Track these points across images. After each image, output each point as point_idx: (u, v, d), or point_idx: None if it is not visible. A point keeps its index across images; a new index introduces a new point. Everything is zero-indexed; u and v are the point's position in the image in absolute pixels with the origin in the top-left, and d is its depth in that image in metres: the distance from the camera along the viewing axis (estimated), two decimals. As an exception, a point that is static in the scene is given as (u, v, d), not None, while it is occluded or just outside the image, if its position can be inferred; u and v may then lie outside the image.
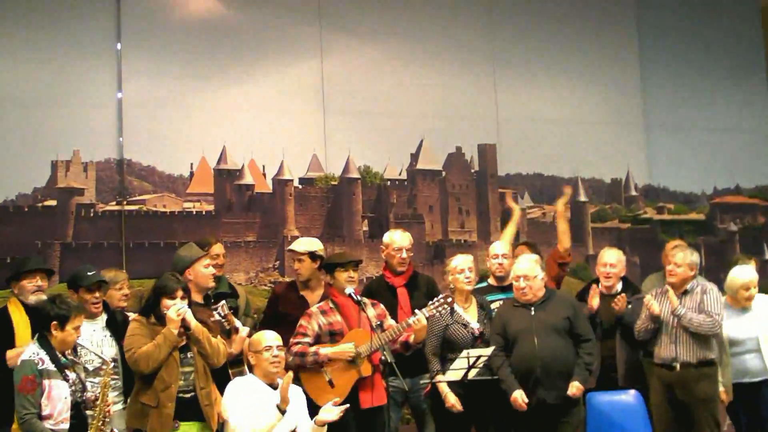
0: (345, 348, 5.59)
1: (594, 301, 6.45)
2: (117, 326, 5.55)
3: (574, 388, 5.87)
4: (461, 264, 6.08)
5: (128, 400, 5.32)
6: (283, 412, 4.91)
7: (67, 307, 4.81)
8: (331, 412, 5.08)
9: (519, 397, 5.82)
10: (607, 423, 6.42)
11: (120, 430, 5.07)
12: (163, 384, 5.04)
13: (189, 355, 5.16)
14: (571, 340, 6.03)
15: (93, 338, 5.41)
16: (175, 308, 5.06)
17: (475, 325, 5.98)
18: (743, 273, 6.83)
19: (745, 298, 6.72)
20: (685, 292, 6.39)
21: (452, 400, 5.83)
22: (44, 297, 5.37)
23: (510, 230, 7.31)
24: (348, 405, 5.19)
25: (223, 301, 5.53)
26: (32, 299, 5.34)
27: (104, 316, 5.55)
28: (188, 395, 5.09)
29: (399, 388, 5.82)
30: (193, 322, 5.13)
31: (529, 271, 6.03)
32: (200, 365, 5.17)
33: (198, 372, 5.15)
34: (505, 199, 7.82)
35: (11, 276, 5.55)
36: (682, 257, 6.46)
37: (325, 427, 5.10)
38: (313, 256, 6.19)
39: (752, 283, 6.73)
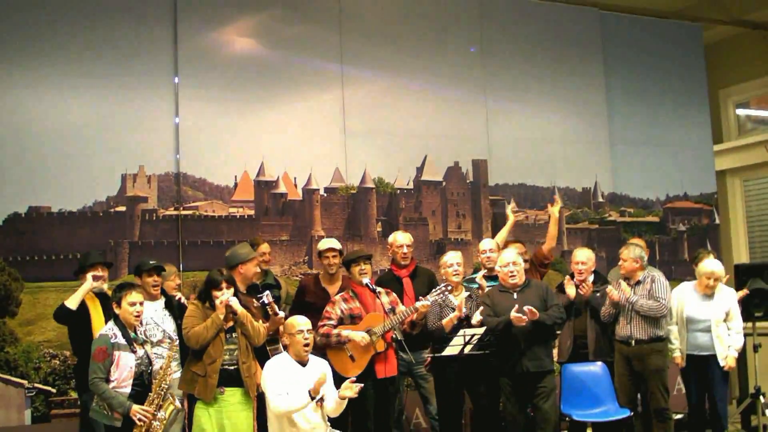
0: (361, 336, 5.60)
1: (570, 290, 6.45)
2: (173, 308, 5.67)
3: (535, 315, 5.77)
4: (450, 260, 6.13)
5: (183, 368, 5.37)
6: (312, 398, 4.92)
7: (119, 289, 4.98)
8: (350, 389, 5.08)
9: (513, 314, 5.75)
10: (579, 389, 6.43)
11: (175, 392, 5.13)
12: (210, 358, 5.10)
13: (234, 335, 5.20)
14: (547, 317, 6.02)
15: (155, 316, 5.52)
16: (223, 298, 5.10)
17: (462, 309, 5.95)
18: (712, 265, 6.75)
19: (708, 285, 6.66)
20: (638, 282, 6.39)
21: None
22: (105, 285, 5.45)
23: (503, 233, 7.21)
24: (362, 385, 5.18)
25: (267, 291, 5.57)
26: (95, 286, 5.41)
27: (163, 300, 5.66)
28: (232, 368, 5.15)
29: (404, 361, 5.84)
30: (240, 309, 5.16)
31: (517, 258, 6.07)
32: (243, 343, 5.20)
33: (241, 349, 5.18)
34: (505, 209, 7.65)
35: (77, 269, 5.63)
36: (626, 252, 6.47)
37: (347, 399, 5.11)
38: (340, 252, 6.23)
39: (715, 274, 6.66)
